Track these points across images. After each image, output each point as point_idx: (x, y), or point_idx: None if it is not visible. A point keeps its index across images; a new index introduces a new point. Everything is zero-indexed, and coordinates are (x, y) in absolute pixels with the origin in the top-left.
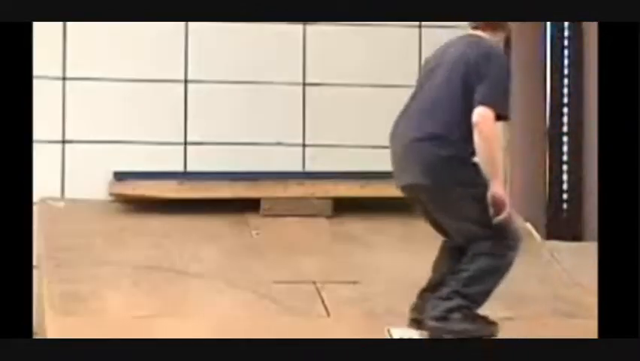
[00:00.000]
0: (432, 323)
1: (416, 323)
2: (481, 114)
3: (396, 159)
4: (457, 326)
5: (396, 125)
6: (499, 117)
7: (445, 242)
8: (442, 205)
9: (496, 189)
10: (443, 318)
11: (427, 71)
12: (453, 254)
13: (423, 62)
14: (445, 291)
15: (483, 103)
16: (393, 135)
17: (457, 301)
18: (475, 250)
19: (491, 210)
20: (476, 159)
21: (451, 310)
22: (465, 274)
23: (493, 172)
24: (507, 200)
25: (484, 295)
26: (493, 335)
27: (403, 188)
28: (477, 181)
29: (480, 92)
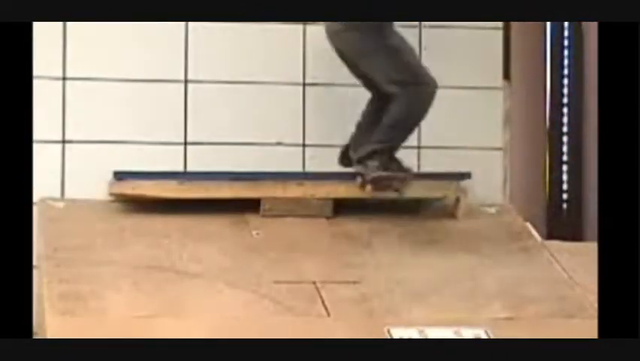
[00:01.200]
0: (356, 166)
1: (344, 159)
2: None
3: None
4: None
5: None
6: None
7: (371, 98)
8: (360, 52)
9: None
10: (362, 163)
11: None
12: (377, 106)
13: None
14: (368, 143)
15: None
16: None
17: (375, 147)
18: (396, 98)
19: None
20: None
21: (369, 157)
22: (386, 122)
23: None
24: None
25: (404, 139)
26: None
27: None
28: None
29: None
